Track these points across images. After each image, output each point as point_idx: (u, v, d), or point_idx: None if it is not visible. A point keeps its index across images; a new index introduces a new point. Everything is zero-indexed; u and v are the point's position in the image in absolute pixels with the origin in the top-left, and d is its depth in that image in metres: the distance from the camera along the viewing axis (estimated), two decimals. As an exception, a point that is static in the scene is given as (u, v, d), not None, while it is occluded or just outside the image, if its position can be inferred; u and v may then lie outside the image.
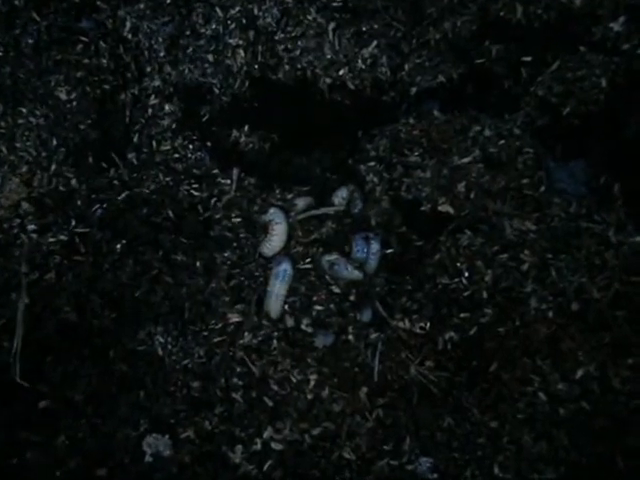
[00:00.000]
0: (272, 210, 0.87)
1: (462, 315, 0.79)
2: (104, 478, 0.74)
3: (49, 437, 0.75)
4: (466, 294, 0.80)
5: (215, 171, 0.91)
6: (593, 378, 0.76)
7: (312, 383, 0.78)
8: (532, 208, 0.85)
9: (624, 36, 0.86)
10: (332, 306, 0.83)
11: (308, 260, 0.85)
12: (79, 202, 0.88)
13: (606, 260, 0.79)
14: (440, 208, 0.85)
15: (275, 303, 0.81)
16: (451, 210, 0.85)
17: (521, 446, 0.73)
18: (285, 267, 0.82)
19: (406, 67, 0.93)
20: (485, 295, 0.79)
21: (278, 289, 0.81)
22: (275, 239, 0.86)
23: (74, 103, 0.93)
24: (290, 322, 0.81)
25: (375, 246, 0.84)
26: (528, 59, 0.91)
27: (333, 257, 0.84)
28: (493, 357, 0.77)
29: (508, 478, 0.72)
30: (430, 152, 0.89)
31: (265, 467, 0.74)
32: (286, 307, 0.82)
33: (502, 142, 0.88)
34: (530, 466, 0.72)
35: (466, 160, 0.87)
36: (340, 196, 0.89)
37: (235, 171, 0.91)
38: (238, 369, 0.79)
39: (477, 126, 0.89)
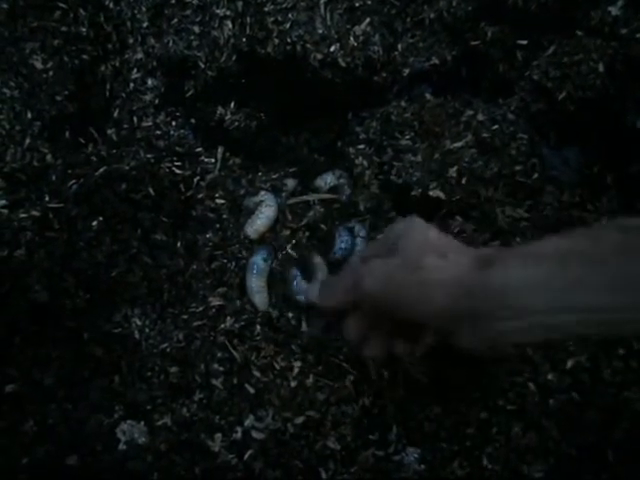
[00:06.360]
0: (263, 192, 0.84)
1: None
2: (75, 466, 0.70)
3: (16, 422, 0.71)
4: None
5: (199, 149, 0.88)
6: (584, 369, 0.74)
7: (296, 370, 0.75)
8: (524, 195, 0.83)
9: (622, 20, 0.85)
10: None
11: (294, 243, 0.82)
12: (54, 177, 0.84)
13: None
14: (431, 193, 0.83)
15: (254, 296, 0.78)
16: (442, 195, 0.83)
17: (510, 437, 0.71)
18: (256, 260, 0.79)
19: (399, 47, 0.91)
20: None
21: (255, 283, 0.78)
22: (259, 222, 0.83)
23: (50, 73, 0.89)
24: (275, 313, 0.78)
25: (361, 244, 0.81)
26: (524, 42, 0.89)
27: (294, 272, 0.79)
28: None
29: (496, 469, 0.70)
30: (422, 136, 0.86)
31: (245, 456, 0.71)
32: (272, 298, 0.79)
33: (495, 127, 0.86)
34: (519, 457, 0.71)
35: (458, 145, 0.85)
36: (325, 181, 0.86)
37: (220, 150, 0.88)
38: (219, 354, 0.76)
39: (470, 110, 0.87)
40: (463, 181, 0.83)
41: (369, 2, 0.90)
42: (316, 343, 0.76)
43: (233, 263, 0.81)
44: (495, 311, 0.49)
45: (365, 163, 0.86)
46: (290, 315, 0.78)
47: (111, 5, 0.92)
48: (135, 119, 0.90)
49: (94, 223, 0.79)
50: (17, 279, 0.75)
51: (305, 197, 0.85)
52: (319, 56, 0.89)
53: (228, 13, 0.90)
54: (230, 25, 0.90)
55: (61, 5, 0.90)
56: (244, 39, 0.90)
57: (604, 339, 0.73)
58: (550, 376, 0.74)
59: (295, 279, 0.79)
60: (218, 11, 0.90)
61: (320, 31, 0.89)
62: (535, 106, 0.87)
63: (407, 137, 0.86)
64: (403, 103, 0.88)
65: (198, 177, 0.85)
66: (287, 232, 0.84)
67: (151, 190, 0.82)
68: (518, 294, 0.48)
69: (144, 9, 0.92)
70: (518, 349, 0.67)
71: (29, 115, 0.88)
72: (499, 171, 0.83)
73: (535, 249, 0.50)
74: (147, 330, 0.77)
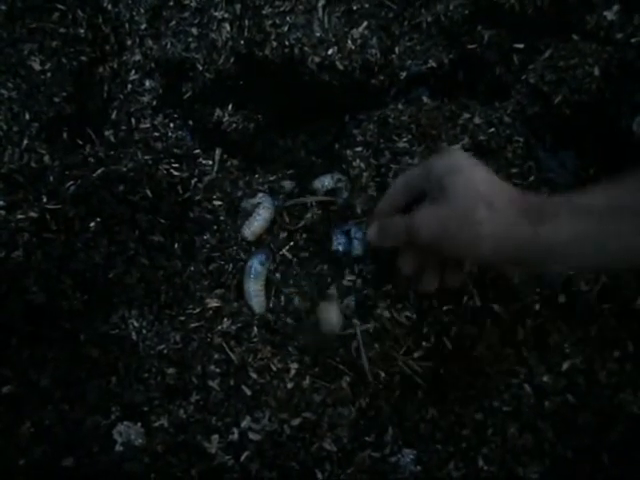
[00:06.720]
0: (260, 194, 0.84)
1: (446, 308, 0.77)
2: (71, 468, 0.70)
3: (13, 424, 0.71)
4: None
5: (196, 151, 0.88)
6: (579, 371, 0.75)
7: (293, 372, 0.75)
8: (521, 198, 0.83)
9: (618, 25, 0.85)
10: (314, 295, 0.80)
11: (292, 244, 0.82)
12: (51, 178, 0.84)
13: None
14: (427, 196, 0.83)
15: (252, 300, 0.78)
16: (439, 198, 0.83)
17: (506, 438, 0.72)
18: (253, 264, 0.79)
19: (396, 50, 0.91)
20: (471, 286, 0.78)
21: (253, 287, 0.78)
22: (256, 224, 0.83)
23: (48, 74, 0.89)
24: (272, 317, 0.78)
25: (358, 249, 0.81)
26: (520, 46, 0.89)
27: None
28: (478, 349, 0.76)
29: (492, 470, 0.70)
30: (419, 138, 0.86)
31: (242, 458, 0.71)
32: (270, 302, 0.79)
33: (492, 130, 0.86)
34: (515, 459, 0.71)
35: (455, 147, 0.85)
36: (322, 183, 0.86)
37: (217, 151, 0.88)
38: (216, 356, 0.76)
39: (467, 113, 0.87)
40: (460, 184, 0.83)
41: (367, 5, 0.90)
42: (313, 345, 0.77)
43: (230, 265, 0.81)
44: (542, 260, 0.55)
45: (362, 165, 0.86)
46: (287, 319, 0.78)
47: (109, 7, 0.92)
48: (133, 121, 0.90)
49: (91, 224, 0.79)
50: (14, 280, 0.75)
51: (302, 199, 0.85)
52: (317, 59, 0.89)
53: (226, 15, 0.90)
54: (228, 27, 0.90)
55: (59, 7, 0.90)
56: (242, 41, 0.90)
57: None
58: (545, 378, 0.74)
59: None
60: (216, 13, 0.90)
61: (318, 34, 0.89)
62: (531, 109, 0.87)
63: (404, 140, 0.86)
64: (400, 106, 0.89)
65: (196, 179, 0.85)
66: (284, 234, 0.84)
67: (149, 192, 0.82)
68: (565, 248, 0.53)
69: (142, 11, 0.92)
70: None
71: (27, 116, 0.88)
72: (495, 173, 0.83)
73: (582, 203, 0.54)
74: (144, 331, 0.77)
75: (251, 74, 0.91)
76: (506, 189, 0.58)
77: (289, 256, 0.82)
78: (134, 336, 0.77)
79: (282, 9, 0.89)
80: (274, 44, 0.89)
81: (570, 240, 0.53)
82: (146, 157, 0.86)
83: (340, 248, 0.81)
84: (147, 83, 0.91)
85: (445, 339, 0.75)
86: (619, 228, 0.51)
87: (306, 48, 0.89)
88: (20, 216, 0.79)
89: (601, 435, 0.72)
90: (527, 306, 0.76)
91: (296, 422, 0.73)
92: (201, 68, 0.91)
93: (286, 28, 0.89)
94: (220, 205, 0.84)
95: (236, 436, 0.72)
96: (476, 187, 0.57)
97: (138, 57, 0.92)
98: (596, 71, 0.84)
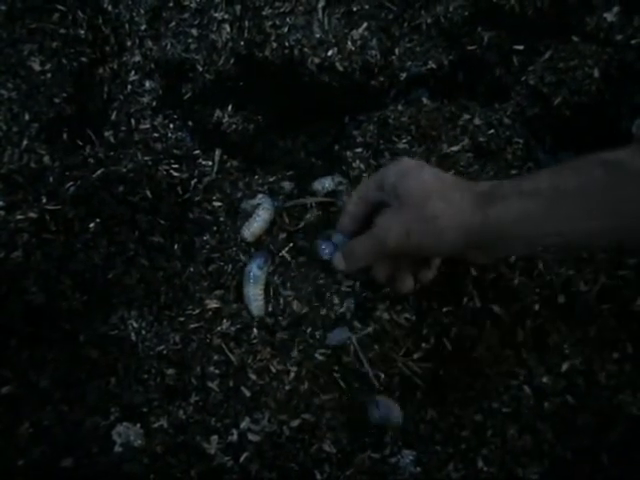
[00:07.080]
0: (260, 195, 0.84)
1: (445, 309, 0.77)
2: (70, 468, 0.70)
3: (12, 424, 0.71)
4: (451, 286, 0.78)
5: (196, 152, 0.88)
6: (578, 372, 0.75)
7: (292, 374, 0.75)
8: (520, 199, 0.83)
9: (618, 27, 0.86)
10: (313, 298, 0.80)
11: (291, 246, 0.82)
12: (51, 179, 0.84)
13: (593, 253, 0.78)
14: (427, 197, 0.83)
15: (251, 304, 0.78)
16: (438, 199, 0.83)
17: (505, 439, 0.72)
18: (251, 268, 0.79)
19: (396, 51, 0.91)
20: (470, 287, 0.78)
21: (252, 292, 0.78)
22: (256, 225, 0.83)
23: (49, 75, 0.89)
24: (270, 321, 0.78)
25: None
26: (520, 47, 0.90)
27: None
28: (478, 350, 0.76)
29: (492, 471, 0.70)
30: (418, 139, 0.87)
31: (241, 459, 0.71)
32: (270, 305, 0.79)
33: (492, 131, 0.86)
34: (514, 459, 0.71)
35: (455, 148, 0.85)
36: (323, 185, 0.86)
37: (217, 152, 0.88)
38: (215, 357, 0.76)
39: (467, 114, 0.88)
40: (459, 185, 0.83)
41: (367, 7, 0.90)
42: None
43: (230, 266, 0.81)
44: (494, 242, 0.57)
45: (362, 166, 0.86)
46: (285, 323, 0.78)
47: (109, 8, 0.92)
48: (133, 121, 0.90)
49: (91, 225, 0.79)
50: (13, 281, 0.75)
51: (302, 200, 0.85)
52: (317, 60, 0.89)
53: (226, 17, 0.90)
54: (228, 28, 0.90)
55: (60, 7, 0.90)
56: (242, 42, 0.90)
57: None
58: (545, 379, 0.74)
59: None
60: (216, 14, 0.90)
61: (318, 35, 0.89)
62: (531, 111, 0.87)
63: (404, 141, 0.86)
64: (400, 107, 0.89)
65: (195, 180, 0.86)
66: (284, 235, 0.84)
67: (148, 192, 0.82)
68: (514, 229, 0.55)
69: (142, 12, 0.92)
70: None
71: (27, 117, 0.88)
72: (495, 175, 0.84)
73: (528, 185, 0.56)
74: (143, 332, 0.77)
75: (251, 75, 0.91)
76: (457, 182, 0.60)
77: (288, 257, 0.82)
78: (133, 337, 0.77)
79: (282, 10, 0.89)
80: (274, 45, 0.89)
81: (518, 220, 0.54)
82: (146, 158, 0.86)
83: (328, 257, 0.79)
84: (147, 84, 0.92)
85: (445, 340, 0.75)
86: (568, 212, 0.53)
87: (306, 49, 0.89)
88: (19, 217, 0.79)
89: (600, 436, 0.72)
90: (526, 307, 0.76)
91: (295, 423, 0.72)
92: (201, 69, 0.91)
93: (286, 29, 0.89)
94: (220, 206, 0.84)
95: (235, 437, 0.72)
96: (427, 185, 0.59)
97: (138, 58, 0.92)
98: (596, 73, 0.85)
